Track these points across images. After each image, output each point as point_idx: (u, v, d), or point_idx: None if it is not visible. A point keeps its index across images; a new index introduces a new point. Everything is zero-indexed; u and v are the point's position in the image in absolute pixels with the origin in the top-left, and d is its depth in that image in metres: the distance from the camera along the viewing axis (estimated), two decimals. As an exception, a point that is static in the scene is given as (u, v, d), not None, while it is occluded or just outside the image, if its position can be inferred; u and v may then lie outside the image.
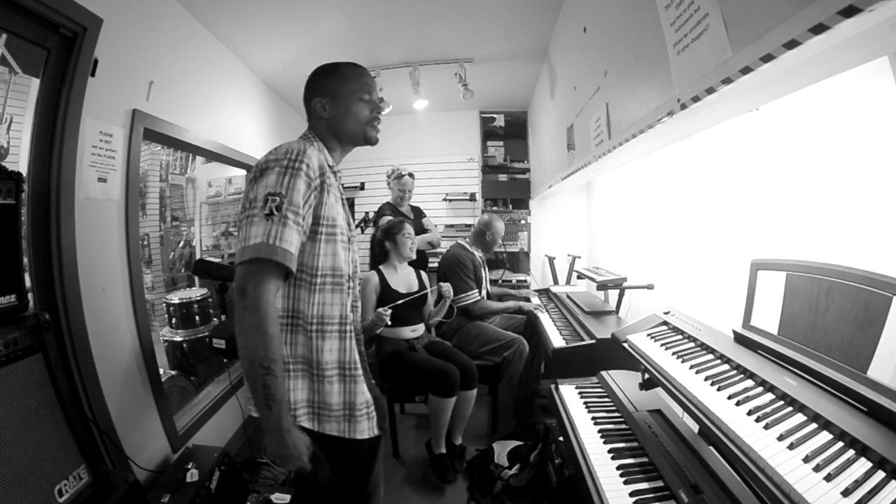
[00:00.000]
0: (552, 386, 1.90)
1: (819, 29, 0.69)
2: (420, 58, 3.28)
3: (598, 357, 2.21)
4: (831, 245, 1.31)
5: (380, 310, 2.35)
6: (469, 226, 4.64)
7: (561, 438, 1.84)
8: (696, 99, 1.08)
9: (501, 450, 2.48)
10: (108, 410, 1.74)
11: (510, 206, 4.67)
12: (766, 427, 0.96)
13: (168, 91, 2.21)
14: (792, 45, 0.75)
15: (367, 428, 1.26)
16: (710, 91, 1.01)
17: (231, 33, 2.73)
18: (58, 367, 1.38)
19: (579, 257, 4.24)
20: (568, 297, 3.24)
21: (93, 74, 1.71)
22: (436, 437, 2.54)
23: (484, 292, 3.17)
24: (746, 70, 0.88)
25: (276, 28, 2.72)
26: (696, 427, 1.44)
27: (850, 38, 0.73)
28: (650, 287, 2.49)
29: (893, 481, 0.78)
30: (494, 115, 4.70)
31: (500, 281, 4.44)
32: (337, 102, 1.30)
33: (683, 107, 1.13)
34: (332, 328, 1.21)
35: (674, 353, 1.38)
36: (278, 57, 3.07)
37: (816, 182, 1.39)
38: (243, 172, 3.38)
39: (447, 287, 2.73)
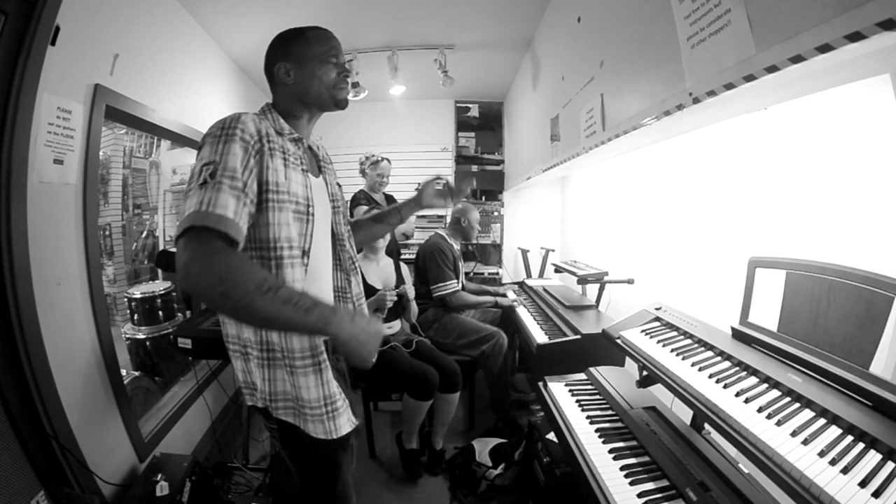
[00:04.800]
0: (540, 384, 1.87)
1: (856, 37, 0.70)
2: (400, 42, 3.18)
3: (582, 353, 2.20)
4: (826, 245, 1.35)
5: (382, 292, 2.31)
6: (441, 217, 4.59)
7: (550, 436, 1.83)
8: (711, 93, 1.07)
9: (482, 448, 2.44)
10: (68, 422, 1.58)
11: (482, 198, 4.66)
12: (778, 423, 0.98)
13: (134, 66, 2.03)
14: (825, 49, 0.75)
15: (347, 420, 1.18)
16: (730, 87, 1.01)
17: (204, 9, 2.56)
18: (6, 376, 1.22)
19: (553, 250, 4.25)
20: (545, 290, 3.23)
21: (52, 43, 1.53)
22: (408, 434, 2.50)
23: (460, 285, 3.13)
24: (773, 69, 0.88)
25: (250, 5, 2.56)
26: (688, 419, 1.47)
27: (881, 50, 0.75)
28: (630, 281, 2.51)
29: (904, 470, 0.81)
30: (469, 105, 4.66)
31: (472, 273, 4.42)
32: (302, 66, 1.22)
33: (696, 101, 1.13)
34: None
35: (672, 350, 1.38)
36: (252, 36, 2.89)
37: (809, 183, 1.43)
38: (211, 159, 3.19)
39: (405, 289, 2.64)
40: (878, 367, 1.03)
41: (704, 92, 1.08)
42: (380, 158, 3.43)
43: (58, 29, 1.55)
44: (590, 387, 1.80)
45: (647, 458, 1.31)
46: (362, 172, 3.50)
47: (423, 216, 4.62)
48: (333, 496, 1.25)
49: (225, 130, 1.02)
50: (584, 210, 3.88)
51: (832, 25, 0.72)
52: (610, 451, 1.35)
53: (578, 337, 2.27)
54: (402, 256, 4.08)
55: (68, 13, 1.58)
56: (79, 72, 1.72)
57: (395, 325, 2.67)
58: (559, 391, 1.77)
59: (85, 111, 1.76)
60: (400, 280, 2.71)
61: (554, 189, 4.64)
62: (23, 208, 1.50)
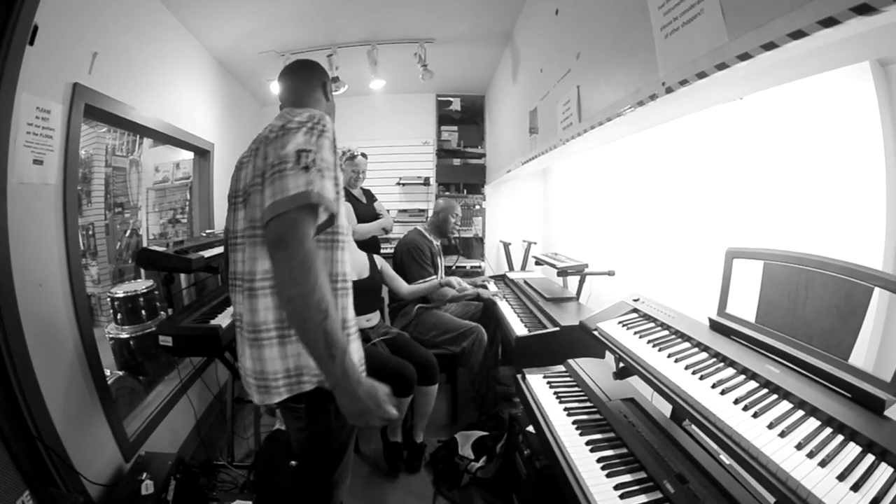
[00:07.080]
0: (518, 376, 1.86)
1: (829, 22, 0.69)
2: (379, 36, 3.15)
3: (562, 345, 2.18)
4: (805, 235, 1.34)
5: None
6: (422, 211, 4.58)
7: (530, 429, 1.82)
8: (684, 83, 1.06)
9: (465, 441, 2.45)
10: (52, 423, 1.56)
11: (464, 191, 4.64)
12: (755, 416, 0.97)
13: (113, 64, 2.00)
14: (798, 35, 0.75)
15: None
16: (702, 75, 1.00)
17: (184, 6, 2.52)
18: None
19: (535, 243, 4.22)
20: (526, 283, 3.20)
21: (31, 43, 1.51)
22: (391, 428, 2.51)
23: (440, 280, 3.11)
24: (745, 56, 0.87)
25: (230, 1, 2.53)
26: (668, 412, 1.46)
27: (855, 36, 0.74)
28: (611, 273, 2.51)
29: (883, 464, 0.80)
30: (451, 99, 4.62)
31: (454, 267, 4.39)
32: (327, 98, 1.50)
33: (669, 90, 1.13)
34: (346, 284, 1.22)
35: (649, 342, 1.36)
36: (231, 31, 2.86)
37: (787, 173, 1.42)
38: (192, 156, 3.18)
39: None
40: (857, 358, 1.03)
41: (677, 81, 1.07)
42: (356, 154, 3.38)
43: (36, 28, 1.53)
44: (568, 379, 1.79)
45: (624, 450, 1.30)
46: (340, 167, 3.44)
47: (405, 210, 4.62)
48: (333, 476, 1.25)
49: (318, 125, 1.11)
50: (566, 202, 3.87)
51: (805, 11, 0.71)
52: (587, 444, 1.34)
53: (558, 329, 2.24)
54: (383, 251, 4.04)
55: (46, 12, 1.56)
56: (57, 71, 1.70)
57: (374, 319, 2.64)
58: (537, 383, 1.76)
59: (64, 110, 1.74)
60: (374, 270, 2.67)
61: (536, 182, 4.63)
62: (3, 209, 1.48)
